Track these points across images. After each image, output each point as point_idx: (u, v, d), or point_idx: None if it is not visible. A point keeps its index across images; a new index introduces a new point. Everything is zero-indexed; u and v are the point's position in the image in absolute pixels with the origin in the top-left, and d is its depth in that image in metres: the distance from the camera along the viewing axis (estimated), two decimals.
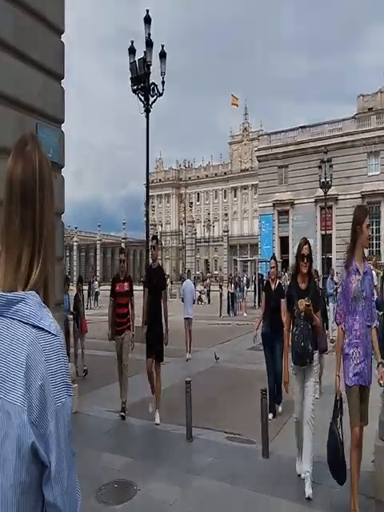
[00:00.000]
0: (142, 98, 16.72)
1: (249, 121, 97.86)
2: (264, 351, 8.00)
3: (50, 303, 1.28)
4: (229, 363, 12.56)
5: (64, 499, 1.17)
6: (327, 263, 37.30)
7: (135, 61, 16.84)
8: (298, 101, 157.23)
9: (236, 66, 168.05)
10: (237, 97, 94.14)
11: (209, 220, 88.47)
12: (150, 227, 46.03)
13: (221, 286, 29.82)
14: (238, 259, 52.91)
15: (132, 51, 17.03)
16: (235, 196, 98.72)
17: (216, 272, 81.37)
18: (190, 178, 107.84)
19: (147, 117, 16.54)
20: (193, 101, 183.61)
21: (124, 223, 53.70)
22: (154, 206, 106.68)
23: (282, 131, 45.36)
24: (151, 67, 16.84)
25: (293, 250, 43.25)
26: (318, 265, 41.16)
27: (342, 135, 40.17)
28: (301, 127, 43.51)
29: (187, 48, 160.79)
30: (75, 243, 58.09)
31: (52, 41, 6.81)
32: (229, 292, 27.31)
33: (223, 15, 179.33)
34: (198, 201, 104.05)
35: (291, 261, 42.78)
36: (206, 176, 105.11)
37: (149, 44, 16.66)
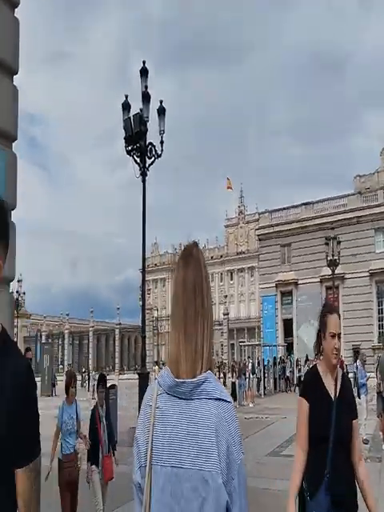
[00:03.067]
0: (138, 160, 14.74)
1: (244, 203, 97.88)
2: None
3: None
4: (248, 479, 9.41)
5: None
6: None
7: (130, 117, 14.80)
8: (293, 186, 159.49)
9: (230, 154, 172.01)
10: (231, 180, 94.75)
11: None
12: (147, 311, 43.66)
13: (224, 375, 27.67)
14: (241, 344, 50.40)
15: (126, 107, 14.99)
16: (232, 279, 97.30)
17: (213, 358, 77.71)
18: None
19: (144, 181, 14.71)
20: (188, 188, 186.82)
21: (118, 308, 50.83)
22: (149, 289, 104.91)
23: (284, 208, 43.86)
24: (148, 124, 14.81)
25: (297, 333, 40.66)
26: None
27: (347, 211, 38.61)
28: (304, 204, 42.08)
29: (181, 138, 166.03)
30: (66, 331, 53.90)
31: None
32: (232, 381, 24.76)
33: (218, 106, 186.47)
34: None
35: (296, 345, 40.05)
36: None
37: (145, 98, 14.64)
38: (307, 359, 27.86)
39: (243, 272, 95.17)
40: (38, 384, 39.15)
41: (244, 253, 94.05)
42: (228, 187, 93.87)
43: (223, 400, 1.49)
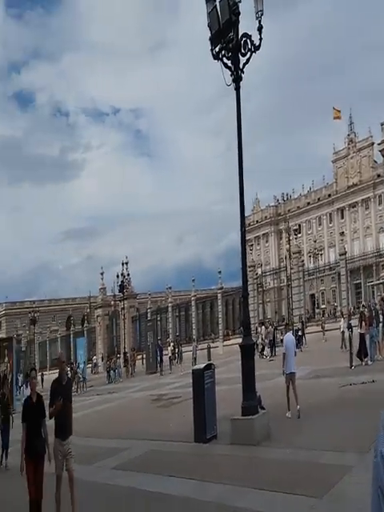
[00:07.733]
0: (229, 63, 10.68)
1: (355, 131, 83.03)
2: None
3: None
4: None
5: None
6: None
7: (215, 6, 10.56)
8: None
9: (333, 86, 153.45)
10: (339, 109, 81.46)
11: (315, 248, 76.15)
12: (249, 269, 38.01)
13: (350, 327, 21.61)
14: (369, 283, 40.51)
15: None
16: (342, 217, 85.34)
17: (323, 306, 69.27)
18: (289, 210, 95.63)
19: (237, 88, 10.69)
20: (288, 133, 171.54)
21: (219, 272, 47.55)
22: (251, 245, 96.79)
23: None
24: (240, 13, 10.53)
25: None
26: None
27: None
28: None
29: (276, 84, 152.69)
30: (170, 304, 52.27)
31: None
32: (359, 333, 18.76)
33: (313, 44, 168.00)
34: (299, 233, 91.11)
35: None
36: (308, 203, 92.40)
37: None
38: None
39: (356, 207, 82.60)
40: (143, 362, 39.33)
41: (356, 185, 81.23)
42: (336, 117, 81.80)
43: None
